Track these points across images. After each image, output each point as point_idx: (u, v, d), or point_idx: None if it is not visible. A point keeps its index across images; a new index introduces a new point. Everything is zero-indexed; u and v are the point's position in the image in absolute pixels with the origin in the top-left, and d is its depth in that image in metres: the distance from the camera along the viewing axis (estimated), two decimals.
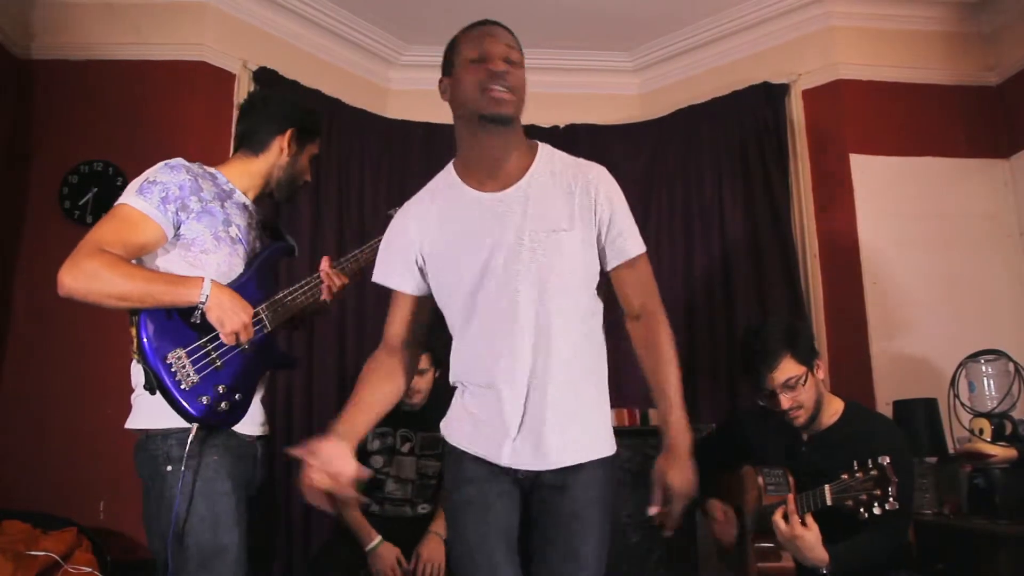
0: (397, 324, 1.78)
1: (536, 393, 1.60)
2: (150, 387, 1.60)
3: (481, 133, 1.67)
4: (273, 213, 2.00)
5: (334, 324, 3.43)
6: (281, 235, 1.96)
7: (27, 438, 2.93)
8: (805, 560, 1.99)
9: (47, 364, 3.00)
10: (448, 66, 1.74)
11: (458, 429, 1.71)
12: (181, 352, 1.62)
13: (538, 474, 1.62)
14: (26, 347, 3.02)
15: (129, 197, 1.68)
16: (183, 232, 1.70)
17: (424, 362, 2.65)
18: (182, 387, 1.60)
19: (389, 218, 2.12)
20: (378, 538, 2.55)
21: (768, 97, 3.51)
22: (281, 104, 1.94)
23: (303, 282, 1.92)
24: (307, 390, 3.31)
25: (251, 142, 1.90)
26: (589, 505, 1.61)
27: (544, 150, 1.74)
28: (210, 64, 3.25)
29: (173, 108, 3.17)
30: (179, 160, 1.76)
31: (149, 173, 1.72)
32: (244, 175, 1.87)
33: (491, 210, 1.66)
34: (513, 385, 1.61)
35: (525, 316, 1.61)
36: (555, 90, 3.80)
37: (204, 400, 1.63)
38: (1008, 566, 2.18)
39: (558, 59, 3.87)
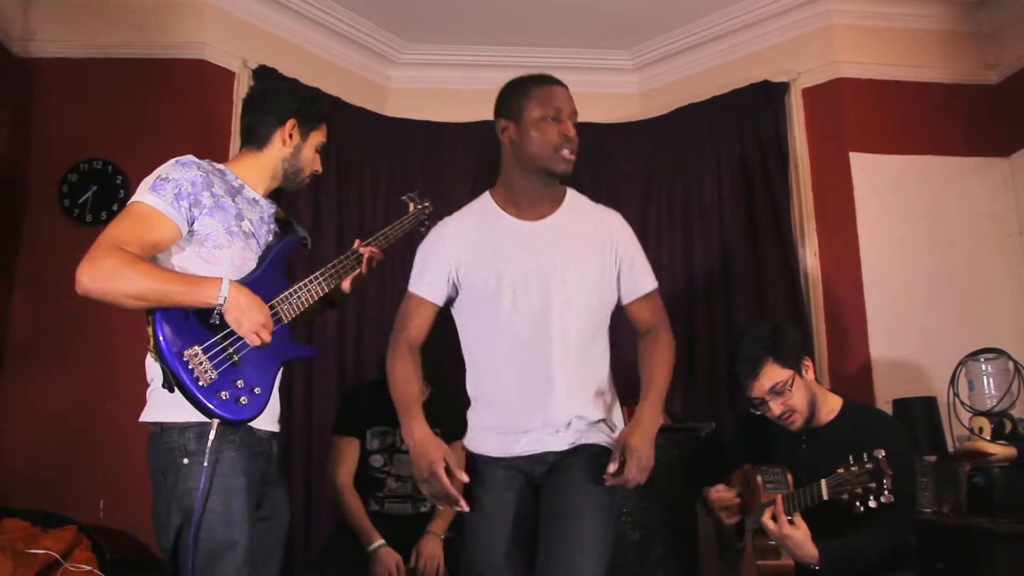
0: (419, 327, 1.98)
1: (551, 399, 1.85)
2: (168, 385, 1.59)
3: (537, 179, 1.91)
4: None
5: (334, 323, 3.43)
6: (292, 228, 1.95)
7: (27, 437, 2.93)
8: (797, 558, 2.01)
9: (46, 362, 3.00)
10: (513, 112, 1.91)
11: (479, 441, 1.95)
12: (198, 349, 1.61)
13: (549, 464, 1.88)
14: (25, 345, 3.02)
15: (143, 195, 1.67)
16: (196, 228, 1.70)
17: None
18: (200, 384, 1.59)
19: (403, 204, 2.33)
20: (380, 540, 2.55)
21: (768, 95, 3.51)
22: (279, 95, 1.92)
23: (325, 268, 1.90)
24: (307, 389, 3.32)
25: (254, 137, 1.90)
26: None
27: (570, 192, 2.00)
28: (210, 62, 3.25)
29: (173, 106, 3.16)
30: (190, 157, 1.76)
31: (161, 170, 1.72)
32: (251, 171, 1.87)
33: (528, 237, 1.91)
34: (534, 392, 1.86)
35: (554, 331, 1.85)
36: None
37: (223, 396, 1.62)
38: (1008, 565, 2.17)
39: (558, 57, 3.86)
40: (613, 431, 1.91)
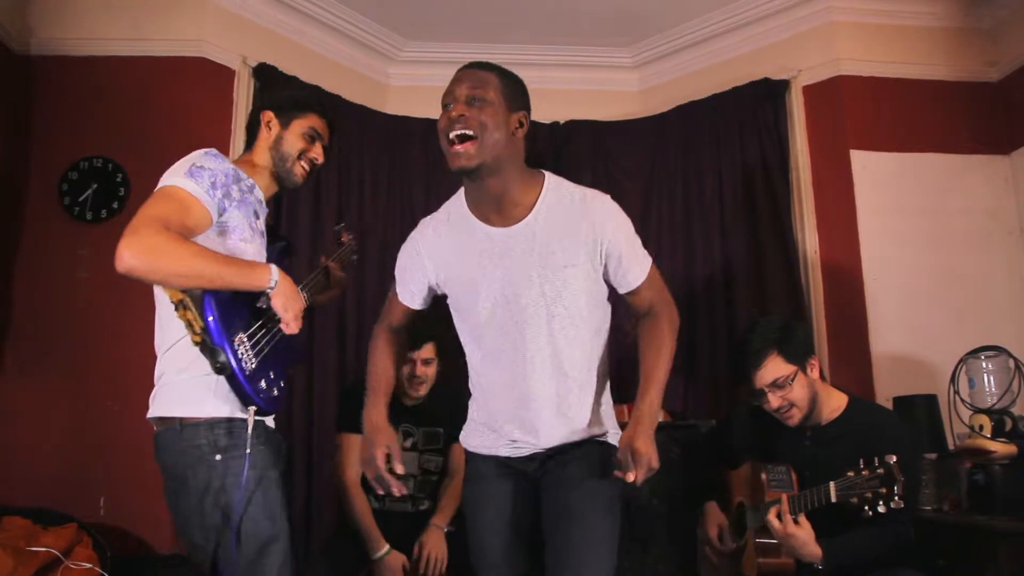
0: (400, 317, 1.99)
1: (535, 420, 1.80)
2: (220, 369, 1.56)
3: (466, 179, 1.76)
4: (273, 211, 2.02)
5: (334, 322, 3.43)
6: (277, 234, 1.97)
7: (27, 434, 2.93)
8: (799, 557, 2.01)
9: (47, 360, 3.00)
10: None
11: (472, 435, 1.95)
12: (243, 336, 1.62)
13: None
14: (26, 343, 3.01)
15: (178, 179, 1.65)
16: (225, 220, 1.70)
17: (429, 351, 2.65)
18: (245, 372, 1.59)
19: (337, 234, 2.35)
20: (386, 547, 2.55)
21: (768, 93, 3.51)
22: (262, 96, 1.95)
23: (329, 258, 2.02)
24: (307, 388, 3.31)
25: (249, 137, 1.95)
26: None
27: (550, 182, 1.80)
28: (210, 60, 3.24)
29: (173, 104, 3.16)
30: (216, 150, 1.76)
31: (195, 158, 1.71)
32: (252, 170, 1.87)
33: (500, 246, 1.77)
34: (517, 412, 1.81)
35: (534, 346, 1.77)
36: (555, 86, 3.80)
37: (262, 385, 1.63)
38: (1008, 562, 2.17)
39: (558, 55, 3.87)
40: (605, 432, 1.85)
